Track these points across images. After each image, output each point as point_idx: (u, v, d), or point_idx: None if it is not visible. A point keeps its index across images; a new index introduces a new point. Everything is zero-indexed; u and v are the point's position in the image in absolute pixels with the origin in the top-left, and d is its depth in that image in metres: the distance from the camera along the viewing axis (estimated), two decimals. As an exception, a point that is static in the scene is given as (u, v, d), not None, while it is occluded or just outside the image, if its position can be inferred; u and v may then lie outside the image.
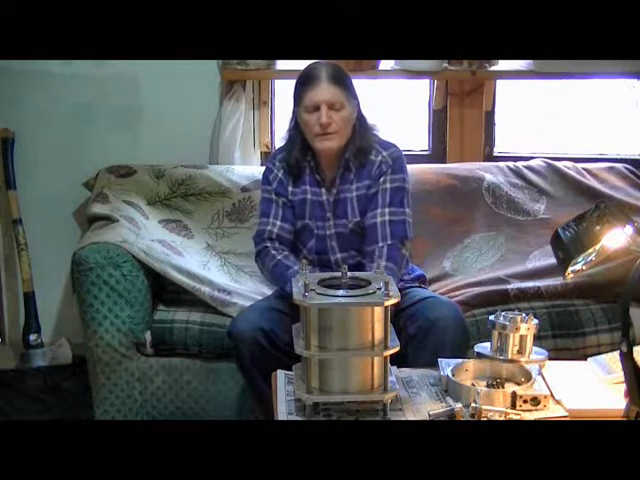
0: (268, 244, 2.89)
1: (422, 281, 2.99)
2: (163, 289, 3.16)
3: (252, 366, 2.66)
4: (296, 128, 2.89)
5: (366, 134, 2.87)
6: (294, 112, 2.88)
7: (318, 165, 2.89)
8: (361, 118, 2.88)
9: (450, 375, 2.26)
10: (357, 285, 2.19)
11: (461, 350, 2.63)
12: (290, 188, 2.91)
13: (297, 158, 2.88)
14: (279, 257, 2.85)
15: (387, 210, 2.83)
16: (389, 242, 2.80)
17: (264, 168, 3.01)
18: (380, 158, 2.86)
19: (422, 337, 2.64)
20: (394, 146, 2.92)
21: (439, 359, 2.38)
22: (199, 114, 3.59)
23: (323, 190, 2.88)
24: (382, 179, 2.85)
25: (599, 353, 2.59)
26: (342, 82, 2.80)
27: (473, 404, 2.07)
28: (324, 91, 2.76)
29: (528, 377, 2.24)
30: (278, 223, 2.89)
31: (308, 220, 2.90)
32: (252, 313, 2.76)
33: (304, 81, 2.82)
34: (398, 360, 2.30)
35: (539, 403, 2.16)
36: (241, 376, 2.87)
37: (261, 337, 2.64)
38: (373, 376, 2.14)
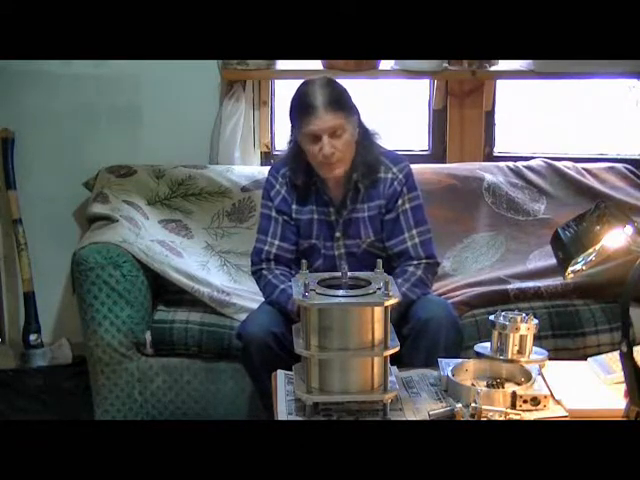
0: (264, 266, 2.81)
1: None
2: (163, 289, 3.15)
3: (261, 368, 2.63)
4: (297, 147, 2.76)
5: (371, 148, 2.76)
6: (293, 132, 2.76)
7: (325, 185, 2.80)
8: (363, 131, 2.76)
9: (450, 375, 2.26)
10: (357, 285, 2.19)
11: (455, 349, 2.62)
12: (294, 206, 2.82)
13: (303, 180, 2.78)
14: (270, 277, 2.78)
15: (415, 232, 2.78)
16: (424, 262, 2.78)
17: (265, 179, 2.91)
18: (390, 175, 2.79)
19: (415, 338, 2.63)
20: (402, 159, 2.85)
21: (439, 359, 2.38)
22: (199, 114, 3.58)
23: (331, 210, 2.80)
24: (400, 201, 2.78)
25: (599, 353, 2.59)
26: (340, 105, 2.66)
27: (473, 404, 2.07)
28: (323, 121, 2.61)
29: (528, 377, 2.24)
30: (276, 242, 2.81)
31: (315, 240, 2.82)
32: (262, 315, 2.73)
33: (300, 109, 2.67)
34: (395, 361, 2.29)
35: (539, 403, 2.16)
36: (242, 376, 2.87)
37: (271, 340, 2.62)
38: (373, 376, 2.14)
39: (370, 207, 2.80)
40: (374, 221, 2.81)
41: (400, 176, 2.80)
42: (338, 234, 2.82)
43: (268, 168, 3.46)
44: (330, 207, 2.81)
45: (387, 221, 2.81)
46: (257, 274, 2.85)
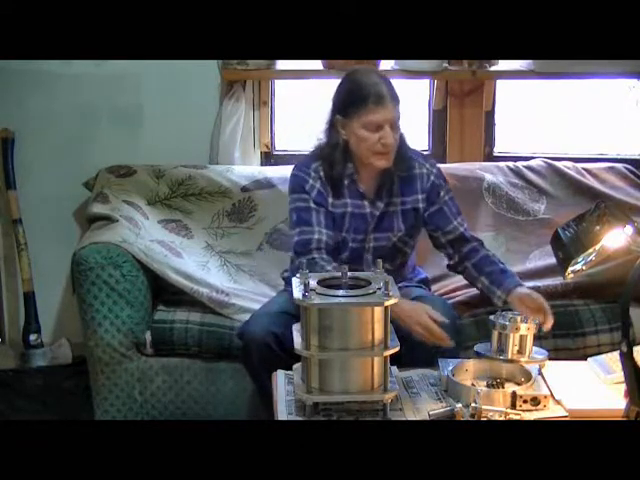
0: (316, 255, 2.73)
1: (426, 283, 2.99)
2: (163, 289, 3.15)
3: (262, 369, 2.62)
4: (333, 137, 2.76)
5: (406, 144, 2.83)
6: (332, 121, 2.75)
7: (359, 177, 2.81)
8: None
9: (450, 375, 2.26)
10: (357, 285, 2.19)
11: (455, 349, 2.61)
12: (330, 200, 2.80)
13: (340, 172, 2.78)
14: (329, 269, 2.67)
15: (459, 219, 2.87)
16: (478, 240, 2.87)
17: (293, 177, 2.85)
18: (425, 170, 2.85)
19: (415, 338, 2.62)
20: (427, 156, 2.95)
21: (439, 359, 2.38)
22: (199, 114, 3.58)
23: (366, 203, 2.81)
24: (442, 193, 2.85)
25: (599, 353, 2.59)
26: (399, 97, 2.74)
27: (473, 404, 2.08)
28: (390, 111, 2.68)
29: (528, 377, 2.24)
30: (324, 230, 2.76)
31: (345, 233, 2.81)
32: (264, 316, 2.73)
33: (362, 97, 2.68)
34: (395, 361, 2.29)
35: (539, 403, 2.16)
36: (242, 376, 2.87)
37: (272, 341, 2.62)
38: (373, 376, 2.14)
39: (405, 201, 2.83)
40: (407, 215, 2.84)
41: (434, 170, 2.87)
42: (371, 227, 2.82)
43: (268, 168, 3.51)
44: (364, 200, 2.82)
45: (432, 213, 2.85)
46: (308, 262, 2.66)
